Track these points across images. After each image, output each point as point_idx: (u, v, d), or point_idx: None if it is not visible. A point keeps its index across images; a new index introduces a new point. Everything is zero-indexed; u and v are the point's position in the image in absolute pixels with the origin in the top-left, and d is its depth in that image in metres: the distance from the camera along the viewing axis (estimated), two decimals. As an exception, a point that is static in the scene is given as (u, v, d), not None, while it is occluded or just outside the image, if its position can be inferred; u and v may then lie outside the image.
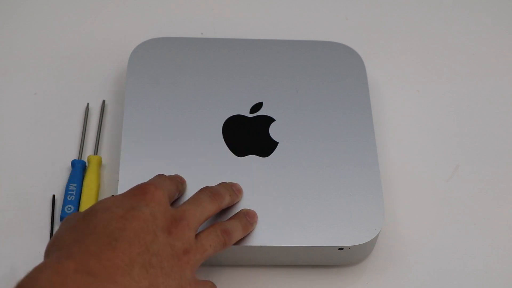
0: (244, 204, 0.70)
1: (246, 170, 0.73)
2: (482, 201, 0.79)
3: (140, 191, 0.60)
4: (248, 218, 0.67)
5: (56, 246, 0.56)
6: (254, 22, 0.92)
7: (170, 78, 0.79)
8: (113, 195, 0.62)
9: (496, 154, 0.82)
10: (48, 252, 0.57)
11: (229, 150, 0.74)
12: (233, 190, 0.68)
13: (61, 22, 0.90)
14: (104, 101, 0.82)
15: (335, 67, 0.82)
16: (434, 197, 0.79)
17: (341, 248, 0.70)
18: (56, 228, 0.73)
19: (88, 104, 0.82)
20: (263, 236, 0.69)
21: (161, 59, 0.81)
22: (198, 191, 0.66)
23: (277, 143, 0.75)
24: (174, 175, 0.69)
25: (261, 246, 0.69)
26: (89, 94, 0.83)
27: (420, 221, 0.77)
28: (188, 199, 0.65)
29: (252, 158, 0.74)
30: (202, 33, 0.89)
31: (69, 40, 0.88)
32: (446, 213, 0.78)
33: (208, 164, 0.73)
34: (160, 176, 0.66)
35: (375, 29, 0.92)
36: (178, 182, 0.67)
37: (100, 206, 0.58)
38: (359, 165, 0.74)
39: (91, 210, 0.59)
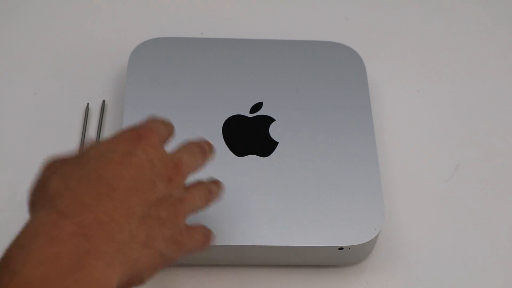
0: (244, 204, 0.70)
1: (246, 170, 0.73)
2: (482, 201, 0.79)
3: (135, 134, 0.54)
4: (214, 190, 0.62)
5: (45, 196, 0.50)
6: (254, 22, 0.92)
7: (170, 78, 0.79)
8: (103, 140, 0.56)
9: (496, 154, 0.82)
10: (33, 203, 0.52)
11: (229, 150, 0.74)
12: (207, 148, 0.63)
13: (61, 22, 0.90)
14: (104, 101, 0.82)
15: (335, 67, 0.82)
16: (434, 197, 0.79)
17: (341, 248, 0.70)
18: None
19: (88, 104, 0.82)
20: (263, 236, 0.69)
21: (161, 59, 0.81)
22: (188, 142, 0.60)
23: (277, 143, 0.75)
24: (166, 119, 0.61)
25: (261, 246, 0.69)
26: (89, 94, 0.83)
27: (420, 221, 0.77)
28: (181, 148, 0.59)
29: (252, 158, 0.74)
30: (202, 33, 0.89)
31: (69, 40, 0.88)
32: (446, 213, 0.78)
33: (208, 164, 0.73)
34: (153, 119, 0.59)
35: (375, 29, 0.92)
36: (170, 127, 0.61)
37: (93, 152, 0.52)
38: (359, 165, 0.74)
39: (83, 155, 0.53)
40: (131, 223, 0.50)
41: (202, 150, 0.61)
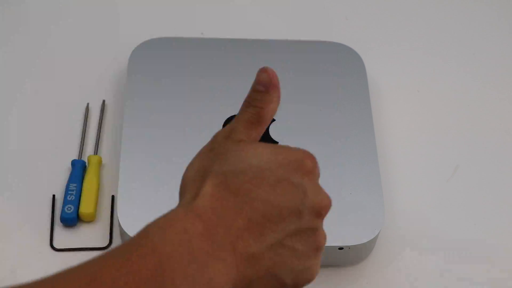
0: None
1: (246, 170, 0.73)
2: (482, 201, 0.79)
3: (299, 160, 0.53)
4: None
5: (195, 188, 0.51)
6: (254, 22, 0.92)
7: (170, 78, 0.79)
8: (268, 146, 0.54)
9: (496, 154, 0.82)
10: (185, 186, 0.53)
11: (229, 150, 0.74)
12: None
13: (61, 22, 0.90)
14: (104, 101, 0.82)
15: (335, 67, 0.82)
16: (434, 197, 0.79)
17: (341, 248, 0.70)
18: (56, 228, 0.73)
19: (88, 104, 0.82)
20: (263, 236, 0.69)
21: (161, 59, 0.81)
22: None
23: (277, 143, 0.75)
24: None
25: (261, 246, 0.69)
26: (89, 94, 0.83)
27: (420, 221, 0.77)
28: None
29: (252, 158, 0.74)
30: (202, 33, 0.89)
31: (69, 40, 0.88)
32: (446, 213, 0.77)
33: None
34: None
35: (375, 29, 0.92)
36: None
37: (255, 162, 0.52)
38: (359, 165, 0.74)
39: (245, 157, 0.52)
40: (259, 247, 0.51)
41: None
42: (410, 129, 0.84)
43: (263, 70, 0.57)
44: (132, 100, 0.77)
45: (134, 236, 0.48)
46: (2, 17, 0.90)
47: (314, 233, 0.53)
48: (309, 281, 0.55)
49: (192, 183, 0.53)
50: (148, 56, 0.81)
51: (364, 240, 0.70)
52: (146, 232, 0.48)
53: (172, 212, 0.50)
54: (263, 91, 0.56)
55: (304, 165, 0.54)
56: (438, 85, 0.88)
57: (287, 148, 0.54)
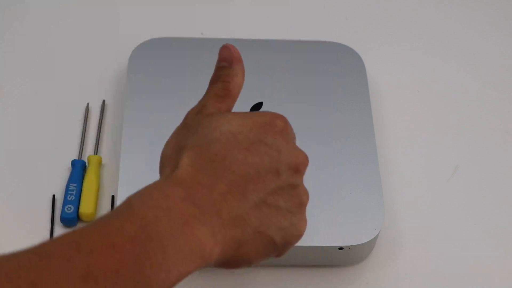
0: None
1: (246, 170, 0.73)
2: (482, 201, 0.79)
3: (268, 120, 0.55)
4: None
5: (174, 161, 0.53)
6: (254, 22, 0.92)
7: (170, 78, 0.79)
8: (238, 113, 0.56)
9: (496, 154, 0.82)
10: (163, 162, 0.55)
11: (229, 150, 0.74)
12: None
13: (61, 22, 0.90)
14: (104, 101, 0.82)
15: (335, 67, 0.82)
16: (434, 197, 0.79)
17: (341, 248, 0.70)
18: (56, 228, 0.73)
19: (88, 104, 0.82)
20: (263, 236, 0.69)
21: (161, 59, 0.81)
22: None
23: (277, 143, 0.75)
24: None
25: (261, 246, 0.69)
26: (89, 94, 0.83)
27: (420, 221, 0.77)
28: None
29: (252, 158, 0.74)
30: (202, 33, 0.89)
31: (69, 40, 0.88)
32: (446, 213, 0.78)
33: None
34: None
35: (375, 29, 0.92)
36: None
37: (226, 129, 0.54)
38: (359, 165, 0.74)
39: (216, 126, 0.54)
40: (242, 207, 0.52)
41: None
42: (410, 129, 0.84)
43: (225, 47, 0.59)
44: (132, 100, 0.77)
45: (116, 207, 0.49)
46: (2, 17, 0.90)
47: (295, 189, 0.55)
48: (297, 237, 0.56)
49: (169, 159, 0.54)
50: (148, 56, 0.81)
51: (364, 240, 0.70)
52: (128, 200, 0.49)
53: (152, 184, 0.51)
54: (227, 67, 0.58)
55: (274, 125, 0.55)
56: (438, 85, 0.88)
57: (256, 113, 0.56)
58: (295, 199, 0.55)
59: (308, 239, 0.69)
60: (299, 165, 0.55)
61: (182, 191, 0.50)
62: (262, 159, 0.53)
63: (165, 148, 0.56)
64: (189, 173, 0.51)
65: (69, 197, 0.74)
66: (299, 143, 0.75)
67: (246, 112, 0.56)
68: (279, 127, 0.55)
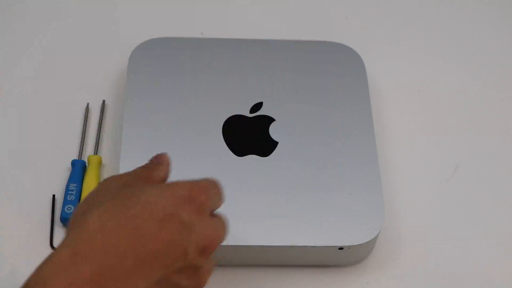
0: (243, 203, 0.70)
1: (246, 170, 0.73)
2: (482, 201, 0.79)
3: (187, 194, 0.54)
4: None
5: (82, 226, 0.52)
6: (254, 22, 0.92)
7: (170, 78, 0.79)
8: (154, 183, 0.57)
9: (496, 154, 0.82)
10: (72, 222, 0.53)
11: (229, 149, 0.74)
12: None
13: (61, 22, 0.90)
14: (104, 101, 0.82)
15: (335, 67, 0.82)
16: (434, 197, 0.79)
17: (341, 248, 0.70)
18: (56, 228, 0.73)
19: (88, 104, 0.82)
20: (263, 236, 0.69)
21: (161, 59, 0.81)
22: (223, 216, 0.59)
23: (277, 143, 0.75)
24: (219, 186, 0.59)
25: (261, 246, 0.69)
26: (89, 94, 0.83)
27: (420, 221, 0.77)
28: (218, 217, 0.58)
29: (252, 158, 0.74)
30: (202, 33, 0.89)
31: (69, 40, 0.88)
32: (446, 213, 0.78)
33: (208, 164, 0.73)
34: (213, 183, 0.57)
35: (375, 29, 0.92)
36: (223, 198, 0.59)
37: (145, 195, 0.53)
38: (359, 164, 0.74)
39: (134, 193, 0.54)
40: (145, 284, 0.51)
41: (227, 223, 0.60)
42: (410, 129, 0.84)
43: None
44: (132, 100, 0.77)
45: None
46: (2, 17, 0.90)
47: (198, 270, 0.55)
48: None
49: (79, 217, 0.53)
50: (148, 56, 0.81)
51: (364, 240, 0.70)
52: (27, 286, 0.48)
53: (56, 256, 0.50)
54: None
55: (193, 200, 0.54)
56: (438, 85, 0.88)
57: (176, 183, 0.55)
58: (195, 279, 0.55)
59: (308, 239, 0.69)
60: (207, 248, 0.55)
61: (88, 271, 0.49)
62: (172, 236, 0.52)
63: (77, 207, 0.55)
64: (97, 245, 0.50)
65: (69, 197, 0.74)
66: (300, 143, 0.75)
67: (167, 182, 0.56)
68: (197, 203, 0.54)
